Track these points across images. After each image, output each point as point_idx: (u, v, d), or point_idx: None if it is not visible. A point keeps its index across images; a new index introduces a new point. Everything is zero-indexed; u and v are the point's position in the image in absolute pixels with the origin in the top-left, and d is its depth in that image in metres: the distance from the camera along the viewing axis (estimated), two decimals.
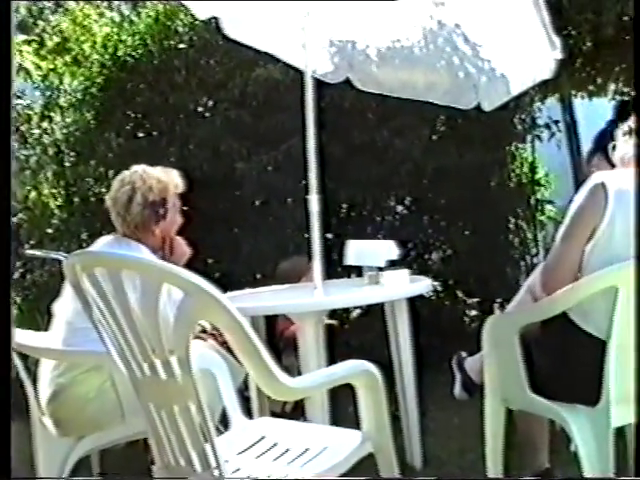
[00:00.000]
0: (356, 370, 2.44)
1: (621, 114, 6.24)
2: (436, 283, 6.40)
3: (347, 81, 4.64)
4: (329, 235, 5.88)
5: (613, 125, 4.50)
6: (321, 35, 4.44)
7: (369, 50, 4.55)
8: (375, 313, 4.37)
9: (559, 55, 3.84)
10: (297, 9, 4.07)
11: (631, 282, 2.67)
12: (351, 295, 3.76)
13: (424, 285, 3.92)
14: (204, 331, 3.68)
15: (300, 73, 4.27)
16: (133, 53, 6.40)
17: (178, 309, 2.11)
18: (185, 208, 3.58)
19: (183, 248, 3.56)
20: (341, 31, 4.50)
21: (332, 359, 3.37)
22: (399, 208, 6.45)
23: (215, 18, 4.25)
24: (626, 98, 6.16)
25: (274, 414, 3.91)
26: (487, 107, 4.42)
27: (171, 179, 3.48)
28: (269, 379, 2.14)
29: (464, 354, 3.47)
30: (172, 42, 6.37)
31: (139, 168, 3.46)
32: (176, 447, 2.30)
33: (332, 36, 4.54)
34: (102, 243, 3.43)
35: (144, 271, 2.21)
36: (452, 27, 4.34)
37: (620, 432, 3.13)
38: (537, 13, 3.70)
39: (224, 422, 2.99)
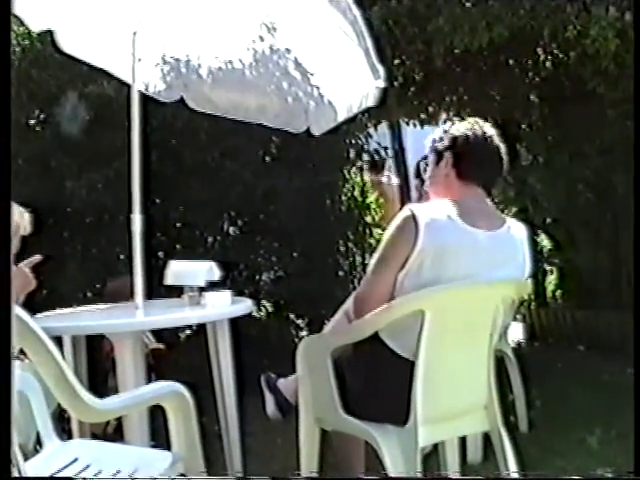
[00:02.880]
0: (164, 391, 2.43)
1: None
2: (267, 304, 6.46)
3: (181, 100, 4.64)
4: (160, 254, 5.86)
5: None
6: (154, 53, 4.43)
7: (201, 70, 4.56)
8: (204, 334, 4.36)
9: (382, 84, 3.93)
10: (128, 25, 4.05)
11: (437, 306, 2.78)
12: (171, 316, 3.73)
13: (245, 306, 3.93)
14: (22, 351, 3.58)
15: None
16: None
17: None
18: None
19: (26, 279, 3.39)
20: (175, 49, 4.50)
21: (158, 380, 3.34)
22: (231, 229, 6.46)
23: (50, 31, 4.17)
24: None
25: (95, 436, 3.85)
26: (316, 132, 4.50)
27: (18, 218, 3.37)
28: (73, 400, 2.10)
29: (273, 374, 3.51)
30: None
31: None
32: None
33: (166, 54, 4.52)
34: None
35: None
36: (283, 52, 4.40)
37: (435, 449, 3.25)
38: (361, 42, 3.77)
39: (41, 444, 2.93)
